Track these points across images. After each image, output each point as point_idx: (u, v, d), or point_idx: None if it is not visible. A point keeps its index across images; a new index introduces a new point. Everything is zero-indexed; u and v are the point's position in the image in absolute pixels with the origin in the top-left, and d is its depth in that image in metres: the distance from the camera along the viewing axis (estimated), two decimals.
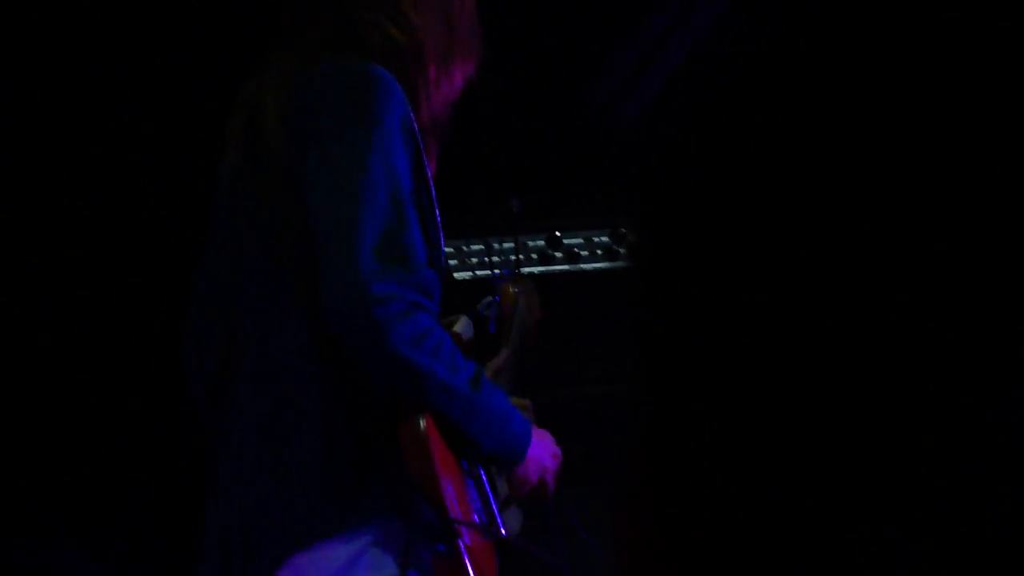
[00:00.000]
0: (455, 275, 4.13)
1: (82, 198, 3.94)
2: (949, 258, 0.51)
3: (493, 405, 2.42)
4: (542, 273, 4.13)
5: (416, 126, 2.47)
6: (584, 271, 4.18)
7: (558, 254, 4.16)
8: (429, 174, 2.50)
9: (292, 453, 2.36)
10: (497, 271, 3.16)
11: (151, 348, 3.85)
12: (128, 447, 3.97)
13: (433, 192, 2.51)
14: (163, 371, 2.94)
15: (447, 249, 4.09)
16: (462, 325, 2.72)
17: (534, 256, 4.15)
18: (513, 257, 4.09)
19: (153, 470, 3.93)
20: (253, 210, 2.49)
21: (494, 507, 2.56)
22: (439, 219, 2.52)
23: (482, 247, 4.13)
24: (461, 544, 2.33)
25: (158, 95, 3.88)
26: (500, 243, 4.11)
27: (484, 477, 2.57)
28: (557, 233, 4.15)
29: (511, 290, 3.15)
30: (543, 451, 2.57)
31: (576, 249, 4.18)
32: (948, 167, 0.52)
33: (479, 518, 2.50)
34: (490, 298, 3.91)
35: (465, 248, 4.13)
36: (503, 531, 2.56)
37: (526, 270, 4.11)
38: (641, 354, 0.58)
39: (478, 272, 4.14)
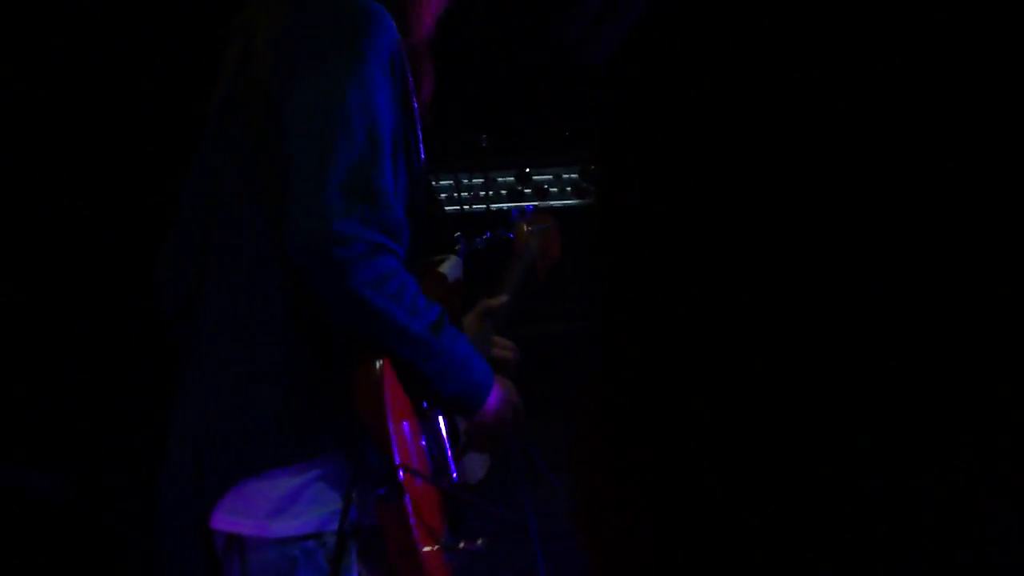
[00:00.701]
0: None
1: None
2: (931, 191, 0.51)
3: (454, 351, 2.40)
4: (510, 210, 4.12)
5: (406, 61, 2.45)
6: (553, 208, 4.18)
7: (527, 190, 4.15)
8: (416, 111, 2.49)
9: (252, 381, 2.37)
10: (517, 208, 3.09)
11: (116, 265, 3.84)
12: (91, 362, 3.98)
13: (419, 130, 2.50)
14: (132, 290, 2.91)
15: (442, 183, 4.10)
16: (448, 266, 2.70)
17: (503, 192, 4.14)
18: (482, 193, 4.09)
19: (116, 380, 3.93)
20: (236, 134, 2.48)
21: (448, 453, 2.56)
22: (423, 156, 2.51)
23: (451, 182, 4.12)
24: (403, 489, 2.33)
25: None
26: (469, 179, 4.10)
27: (444, 422, 2.56)
28: (527, 169, 4.14)
29: (525, 229, 3.09)
30: (503, 400, 2.56)
31: (546, 186, 4.17)
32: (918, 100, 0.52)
33: (431, 464, 2.51)
34: (459, 233, 3.91)
35: (434, 184, 4.12)
36: (455, 477, 2.56)
37: (495, 206, 4.10)
38: (602, 292, 0.58)
39: (446, 208, 4.13)
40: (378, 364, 2.36)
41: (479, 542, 2.54)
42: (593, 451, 0.60)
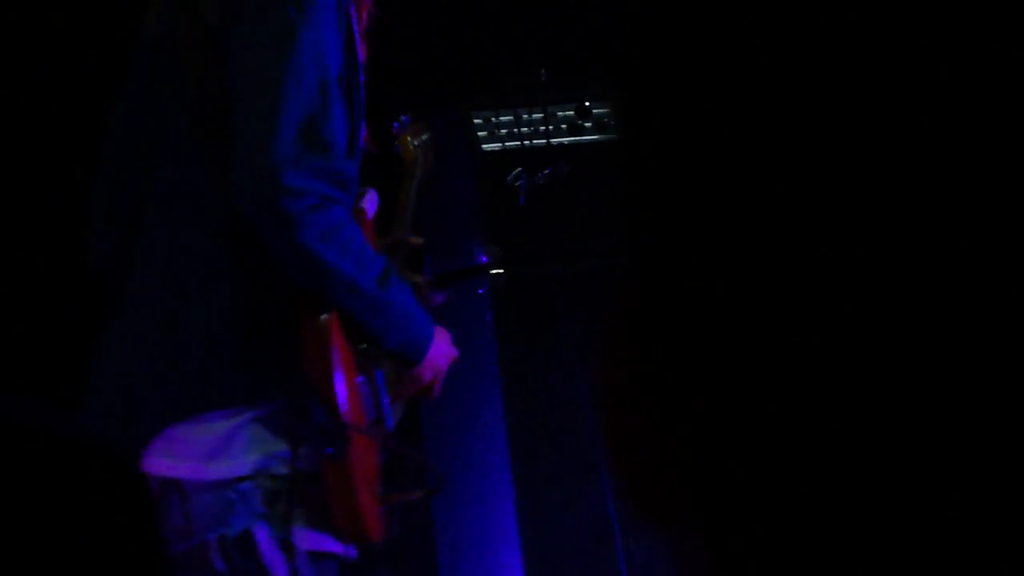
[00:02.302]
0: (484, 147, 4.10)
1: None
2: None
3: (398, 303, 2.37)
4: (571, 144, 4.10)
5: (352, 3, 2.39)
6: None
7: (587, 124, 4.13)
8: (360, 57, 2.43)
9: (189, 325, 2.32)
10: (398, 122, 2.85)
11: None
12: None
13: (362, 76, 2.43)
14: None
15: (476, 121, 4.08)
16: (365, 200, 2.62)
17: (563, 127, 4.12)
18: (542, 128, 4.06)
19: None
20: (177, 74, 2.41)
21: (385, 403, 2.54)
22: (363, 102, 2.44)
23: (511, 118, 4.10)
24: (349, 446, 2.31)
25: None
26: (529, 114, 4.08)
27: (380, 373, 2.53)
28: (586, 103, 4.11)
29: (410, 143, 2.86)
30: (440, 352, 2.54)
31: (606, 119, 4.14)
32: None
33: (369, 415, 2.49)
34: (520, 169, 3.88)
35: (494, 119, 4.10)
36: (390, 426, 2.55)
37: (556, 141, 4.08)
38: (629, 229, 0.58)
39: (507, 144, 4.11)
40: (324, 318, 2.32)
41: (416, 494, 2.55)
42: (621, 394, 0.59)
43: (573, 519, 3.99)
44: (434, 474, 2.61)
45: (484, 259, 3.12)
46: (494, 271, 3.15)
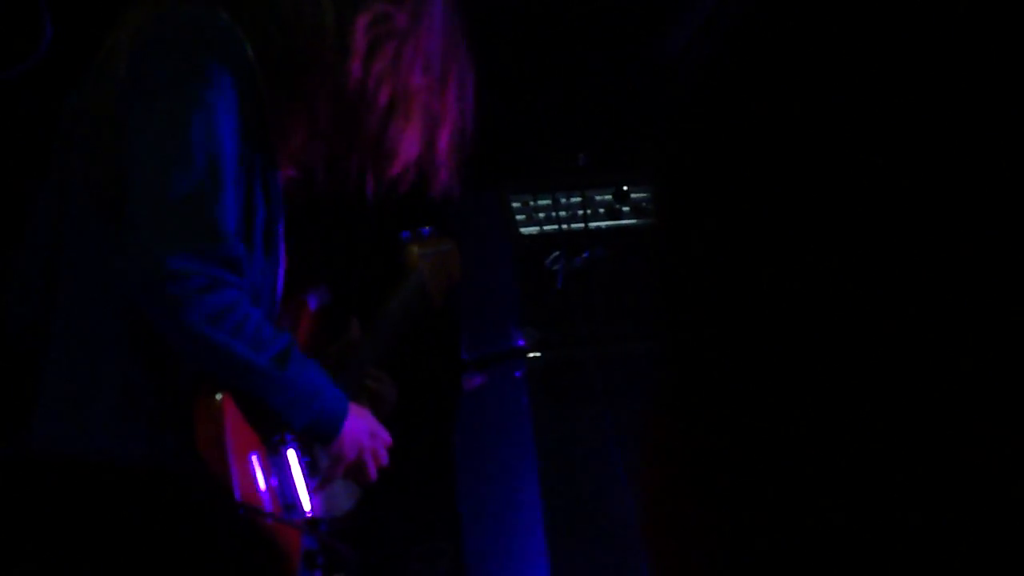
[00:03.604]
0: (521, 230, 4.11)
1: None
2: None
3: (301, 381, 2.35)
4: (609, 228, 4.11)
5: (260, 81, 2.36)
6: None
7: (626, 208, 4.13)
8: (271, 134, 2.40)
9: (97, 403, 2.32)
10: (409, 231, 2.91)
11: None
12: None
13: (271, 154, 2.41)
14: None
15: (514, 204, 4.09)
16: (313, 293, 2.63)
17: (601, 211, 4.13)
18: (580, 212, 4.07)
19: None
20: (86, 148, 2.41)
21: (294, 488, 2.49)
22: (279, 189, 2.42)
23: (549, 202, 4.11)
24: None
25: None
26: (567, 198, 4.09)
27: (297, 455, 2.51)
28: (625, 187, 4.12)
29: (414, 252, 2.90)
30: (360, 428, 2.51)
31: (644, 203, 4.15)
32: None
33: (285, 498, 2.45)
34: (557, 252, 3.89)
35: (532, 203, 4.11)
36: (304, 512, 2.50)
37: (593, 225, 4.09)
38: (668, 311, 0.58)
39: (545, 228, 4.12)
40: (218, 398, 2.31)
41: None
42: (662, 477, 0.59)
43: None
44: (355, 566, 2.55)
45: (521, 342, 3.12)
46: (531, 354, 3.15)
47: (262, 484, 2.41)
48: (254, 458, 2.39)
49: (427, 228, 2.93)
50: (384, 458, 2.57)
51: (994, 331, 0.50)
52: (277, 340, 2.33)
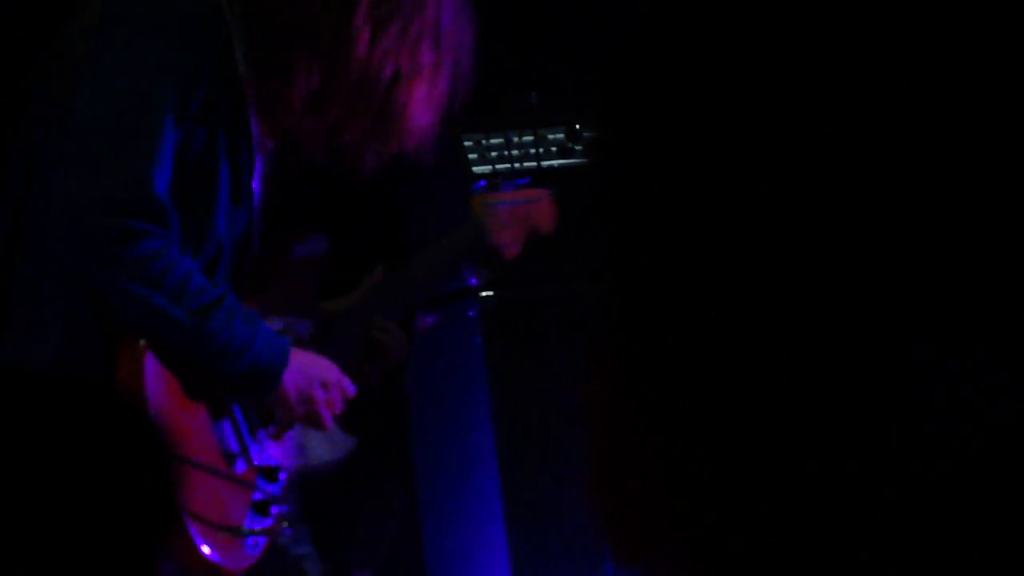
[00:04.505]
0: (474, 169, 4.11)
1: None
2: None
3: (226, 335, 2.30)
4: (561, 167, 4.10)
5: (232, 30, 2.32)
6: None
7: (578, 147, 4.13)
8: (239, 82, 2.35)
9: (19, 321, 2.30)
10: (486, 181, 2.91)
11: None
12: None
13: (247, 101, 2.37)
14: None
15: (467, 143, 4.08)
16: (302, 244, 2.59)
17: (554, 149, 4.13)
18: (532, 151, 4.07)
19: None
20: (55, 83, 2.38)
21: (246, 437, 2.47)
22: (251, 136, 2.38)
23: (501, 141, 4.11)
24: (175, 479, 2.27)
25: None
26: (519, 136, 4.09)
27: (236, 406, 2.48)
28: (577, 126, 4.12)
29: (477, 202, 2.91)
30: (306, 379, 2.46)
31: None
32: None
33: (232, 447, 2.44)
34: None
35: (484, 142, 4.10)
36: (255, 460, 2.47)
37: (546, 163, 4.09)
38: (607, 252, 0.59)
39: (497, 167, 4.12)
40: (141, 344, 2.29)
41: (285, 525, 2.47)
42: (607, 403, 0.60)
43: (563, 542, 3.98)
44: (282, 512, 2.50)
45: (474, 281, 3.11)
46: (484, 293, 3.15)
47: (192, 430, 2.37)
48: (187, 405, 2.37)
49: (524, 178, 2.91)
50: (338, 407, 2.52)
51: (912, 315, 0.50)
52: (204, 293, 2.28)
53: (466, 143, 4.08)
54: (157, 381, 2.30)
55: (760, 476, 0.53)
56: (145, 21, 2.28)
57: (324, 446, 2.60)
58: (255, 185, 2.44)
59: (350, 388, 2.56)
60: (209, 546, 2.33)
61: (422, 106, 2.47)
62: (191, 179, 2.34)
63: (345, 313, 2.74)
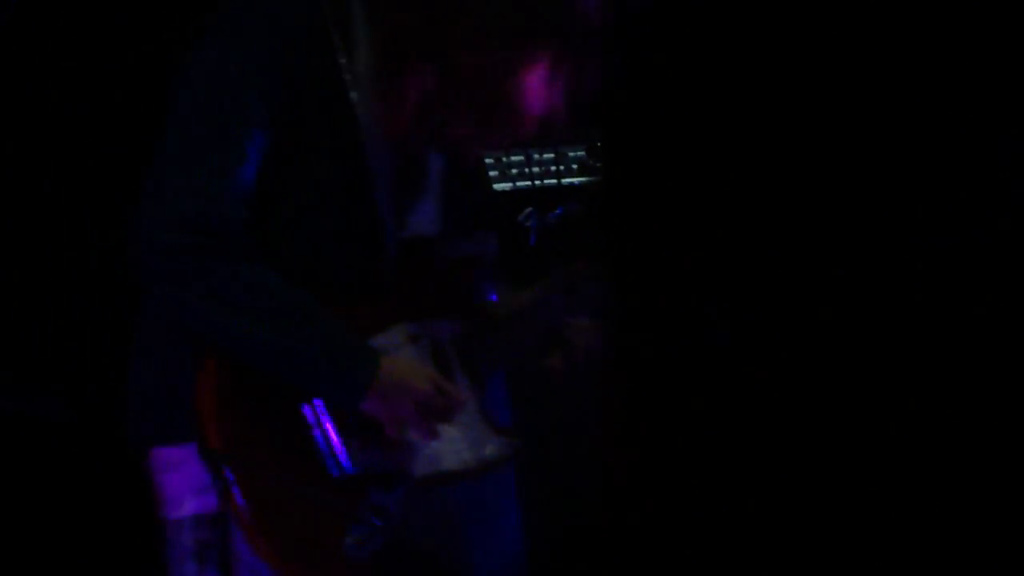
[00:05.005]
0: (495, 187, 4.11)
1: None
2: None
3: (301, 346, 2.23)
4: (582, 184, 4.11)
5: (329, 25, 2.30)
6: None
7: (599, 164, 4.13)
8: (338, 79, 2.34)
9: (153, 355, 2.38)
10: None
11: None
12: None
13: (350, 92, 2.35)
14: None
15: (487, 161, 4.08)
16: (481, 241, 2.58)
17: (575, 167, 4.13)
18: (553, 168, 4.07)
19: None
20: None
21: (335, 443, 2.38)
22: (353, 124, 2.36)
23: (522, 158, 4.11)
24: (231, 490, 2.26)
25: None
26: (540, 154, 4.09)
27: (321, 407, 2.40)
28: (598, 143, 4.12)
29: None
30: (395, 388, 2.33)
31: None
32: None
33: (323, 457, 2.38)
34: (530, 208, 3.88)
35: (504, 159, 4.11)
36: (347, 468, 2.39)
37: (566, 181, 4.09)
38: (612, 258, 0.59)
39: (518, 184, 4.12)
40: (213, 370, 2.28)
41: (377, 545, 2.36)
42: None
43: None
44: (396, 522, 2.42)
45: (495, 298, 3.11)
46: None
47: (284, 448, 2.35)
48: (269, 414, 2.36)
49: (557, 210, 2.90)
50: (444, 416, 2.41)
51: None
52: (277, 307, 2.23)
53: (487, 160, 4.08)
54: (229, 393, 2.29)
55: (762, 477, 0.53)
56: (242, 33, 2.28)
57: (453, 455, 2.49)
58: (382, 184, 2.41)
59: (459, 396, 2.47)
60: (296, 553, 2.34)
61: (535, 96, 2.47)
62: (282, 182, 2.32)
63: (519, 312, 2.70)
